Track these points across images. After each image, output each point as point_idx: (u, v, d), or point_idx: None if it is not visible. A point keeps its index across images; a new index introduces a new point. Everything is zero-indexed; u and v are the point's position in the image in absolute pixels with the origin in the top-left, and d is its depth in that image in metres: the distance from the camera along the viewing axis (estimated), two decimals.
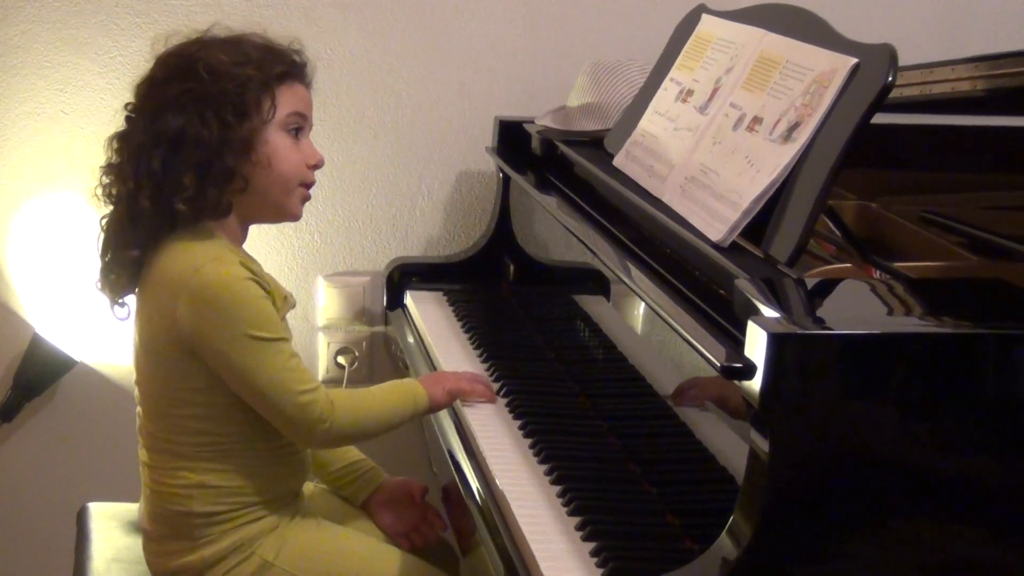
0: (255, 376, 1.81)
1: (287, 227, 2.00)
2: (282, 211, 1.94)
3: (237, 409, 1.86)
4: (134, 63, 2.65)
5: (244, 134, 1.84)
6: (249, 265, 1.86)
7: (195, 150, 1.81)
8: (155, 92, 1.86)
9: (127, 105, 1.90)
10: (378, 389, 1.98)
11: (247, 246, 1.96)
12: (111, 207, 1.90)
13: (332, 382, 2.84)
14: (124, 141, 1.89)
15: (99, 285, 1.94)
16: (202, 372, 1.84)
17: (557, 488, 1.80)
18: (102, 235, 1.92)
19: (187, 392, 1.86)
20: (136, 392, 1.95)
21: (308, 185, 1.94)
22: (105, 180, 1.90)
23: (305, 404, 1.83)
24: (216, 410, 1.86)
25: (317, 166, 1.94)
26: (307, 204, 1.96)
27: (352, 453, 2.17)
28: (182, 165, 1.82)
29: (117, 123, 2.63)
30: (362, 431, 1.94)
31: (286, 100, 1.88)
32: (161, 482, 1.91)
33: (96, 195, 1.91)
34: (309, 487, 2.08)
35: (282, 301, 1.91)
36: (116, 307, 1.96)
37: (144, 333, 1.89)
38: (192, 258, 1.82)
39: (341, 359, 2.84)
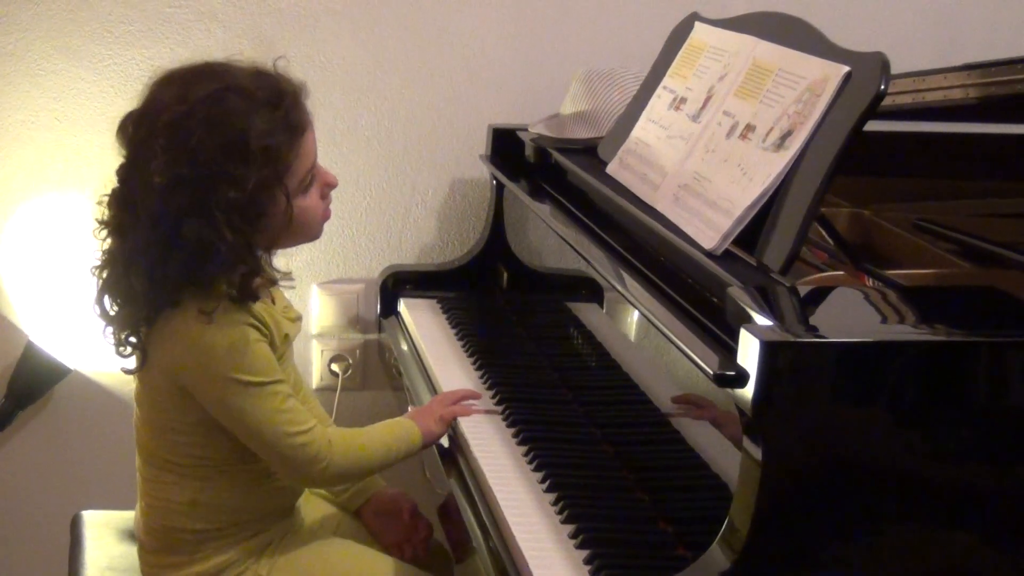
0: (248, 419, 1.80)
1: None
2: (305, 241, 1.92)
3: (231, 435, 1.85)
4: (128, 71, 2.66)
5: (265, 228, 1.79)
6: (250, 307, 1.80)
7: (217, 257, 1.73)
8: (160, 199, 1.73)
9: (118, 169, 1.81)
10: (372, 429, 1.98)
11: None
12: (108, 269, 1.83)
13: (326, 389, 2.84)
14: (122, 229, 1.80)
15: (116, 351, 1.87)
16: (196, 408, 1.83)
17: (551, 496, 1.80)
18: (101, 292, 1.84)
19: (182, 424, 1.86)
20: (135, 407, 1.94)
21: (327, 206, 1.91)
22: (105, 239, 1.83)
23: (299, 445, 1.83)
24: (211, 437, 1.86)
25: (332, 188, 1.90)
26: None
27: None
28: (205, 267, 1.74)
29: (111, 131, 2.61)
30: (360, 470, 1.94)
31: (296, 170, 1.80)
32: (156, 496, 1.91)
33: (96, 236, 1.84)
34: (304, 495, 2.08)
35: (282, 340, 1.89)
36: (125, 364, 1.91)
37: (144, 368, 1.87)
38: (189, 312, 1.77)
39: (335, 367, 2.84)
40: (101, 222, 1.83)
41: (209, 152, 1.71)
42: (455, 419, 2.05)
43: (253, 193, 1.73)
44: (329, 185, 1.89)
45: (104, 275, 1.84)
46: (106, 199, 1.82)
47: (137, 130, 1.77)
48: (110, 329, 1.85)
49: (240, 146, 1.72)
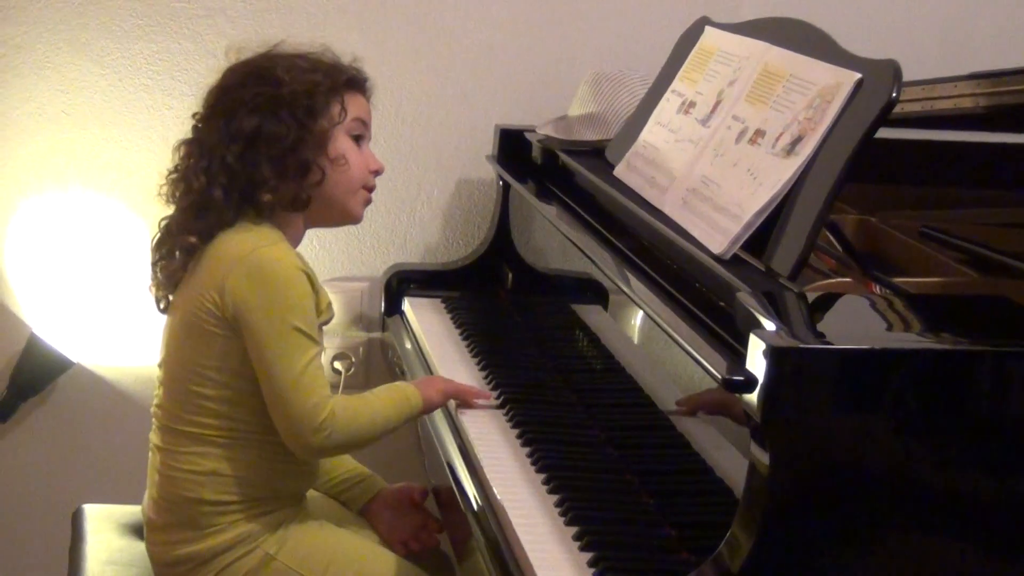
0: (277, 362, 1.83)
1: None
2: (346, 213, 2.01)
3: (258, 399, 1.88)
4: (136, 65, 2.66)
5: (317, 131, 1.91)
6: (306, 263, 1.91)
7: (272, 145, 1.88)
8: (228, 97, 1.92)
9: (195, 115, 1.97)
10: (373, 396, 1.98)
11: None
12: (172, 207, 1.96)
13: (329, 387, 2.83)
14: (194, 145, 1.95)
15: (151, 283, 1.98)
16: (235, 354, 1.86)
17: (554, 497, 1.80)
18: (159, 233, 1.97)
19: (215, 371, 1.88)
20: (159, 373, 1.97)
21: (370, 189, 2.01)
22: (170, 180, 1.96)
23: (311, 407, 1.84)
24: (239, 395, 1.89)
25: (378, 172, 2.02)
26: None
27: (351, 463, 2.18)
28: (260, 159, 1.88)
29: (118, 124, 2.64)
30: (359, 440, 1.94)
31: (351, 106, 1.96)
32: (172, 467, 1.92)
33: (160, 194, 1.97)
34: (310, 493, 2.09)
35: (326, 306, 1.95)
36: (160, 302, 1.99)
37: (185, 308, 1.90)
38: (253, 239, 1.88)
39: (338, 364, 2.84)
40: (171, 171, 1.97)
41: (282, 60, 1.94)
42: (454, 395, 2.08)
43: (312, 93, 1.91)
44: (377, 164, 2.02)
45: (172, 178, 1.96)
46: (180, 146, 1.97)
47: (223, 73, 1.97)
48: (160, 245, 1.96)
49: (309, 60, 1.96)
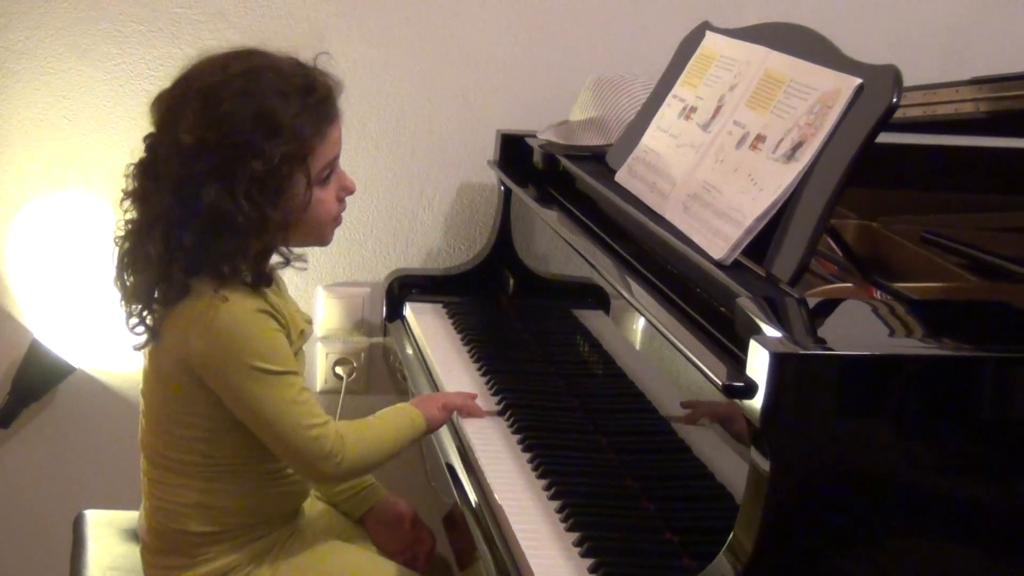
0: (263, 408, 1.80)
1: None
2: (315, 242, 1.93)
3: (239, 433, 1.84)
4: (137, 70, 2.66)
5: (283, 213, 1.79)
6: (267, 296, 1.83)
7: (234, 234, 1.76)
8: (186, 162, 1.75)
9: (146, 139, 1.83)
10: (375, 418, 1.97)
11: None
12: (128, 241, 1.84)
13: (330, 392, 2.84)
14: (145, 197, 1.81)
15: (127, 326, 1.87)
16: (207, 398, 1.82)
17: (556, 503, 1.80)
18: (119, 285, 1.86)
19: (190, 416, 1.85)
20: (141, 403, 1.94)
21: (340, 214, 1.92)
22: (125, 244, 1.84)
23: (313, 439, 1.82)
24: (218, 434, 1.86)
25: (349, 193, 1.91)
26: None
27: None
28: (220, 242, 1.76)
29: (119, 130, 2.64)
30: (371, 464, 1.93)
31: (320, 156, 1.82)
32: (160, 497, 1.91)
33: (115, 240, 1.86)
34: (308, 502, 2.08)
35: (298, 335, 1.89)
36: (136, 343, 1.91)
37: (155, 354, 1.88)
38: (206, 296, 1.78)
39: (339, 370, 2.84)
40: (125, 192, 1.84)
41: (238, 120, 1.74)
42: (455, 409, 2.07)
43: (276, 168, 1.75)
44: (347, 188, 1.90)
45: (125, 245, 1.84)
46: (132, 169, 1.83)
47: (171, 96, 1.80)
48: (124, 305, 1.86)
49: (269, 120, 1.75)
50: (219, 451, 1.87)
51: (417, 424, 1.97)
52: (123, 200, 1.85)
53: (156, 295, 1.82)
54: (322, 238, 1.92)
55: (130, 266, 1.84)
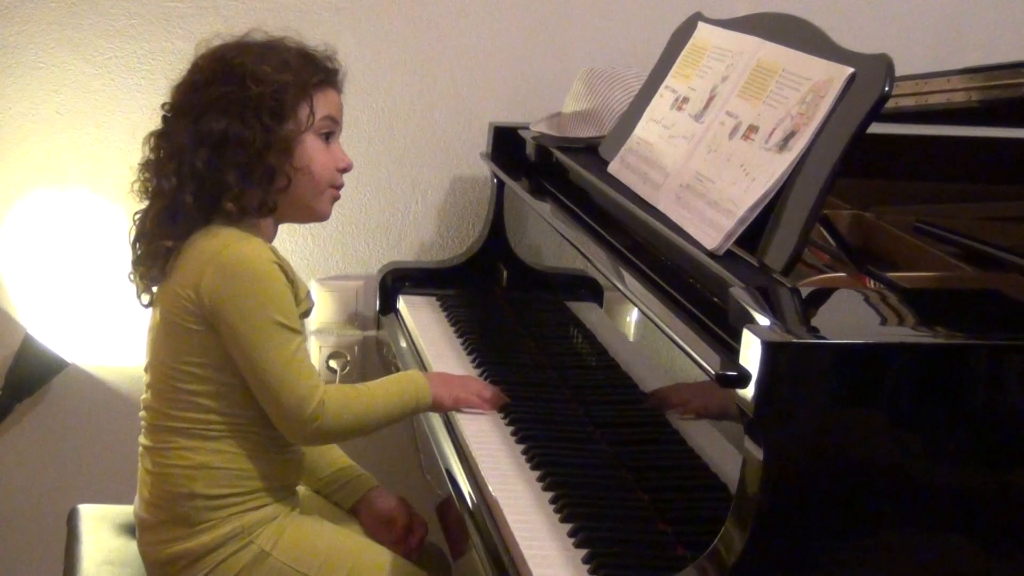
0: (261, 357, 1.85)
1: (281, 229, 2.01)
2: (313, 211, 2.00)
3: (244, 391, 1.89)
4: (129, 65, 2.66)
5: (283, 136, 1.91)
6: (279, 254, 1.91)
7: (238, 150, 1.88)
8: (196, 94, 1.92)
9: (164, 105, 1.96)
10: (375, 385, 1.99)
11: None
12: (147, 202, 1.96)
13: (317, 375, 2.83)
14: (164, 139, 1.94)
15: (130, 276, 1.99)
16: (216, 349, 1.87)
17: (549, 495, 1.80)
18: (135, 229, 1.97)
19: (198, 367, 1.89)
20: (145, 377, 1.97)
21: (338, 187, 2.01)
22: (143, 176, 1.96)
23: (302, 397, 1.86)
24: (225, 389, 1.90)
25: (346, 170, 2.00)
26: None
27: (341, 460, 2.18)
28: (226, 165, 1.88)
29: (112, 124, 2.64)
30: (352, 429, 1.95)
31: (320, 105, 1.95)
32: (164, 464, 1.93)
33: (133, 190, 1.97)
34: (301, 490, 2.08)
35: (304, 296, 1.96)
36: (142, 296, 1.99)
37: (165, 307, 1.92)
38: (224, 237, 1.88)
39: (333, 363, 2.84)
40: (142, 164, 1.96)
41: (247, 56, 1.92)
42: (465, 406, 2.07)
43: (278, 92, 1.90)
44: (344, 163, 1.99)
45: (149, 189, 1.95)
46: (150, 139, 1.96)
47: (193, 65, 1.96)
48: (135, 265, 1.97)
49: (274, 58, 1.93)
50: (225, 407, 1.91)
51: (421, 398, 2.00)
52: (141, 171, 1.96)
53: (170, 232, 1.90)
54: (319, 206, 1.99)
55: (147, 191, 1.95)
